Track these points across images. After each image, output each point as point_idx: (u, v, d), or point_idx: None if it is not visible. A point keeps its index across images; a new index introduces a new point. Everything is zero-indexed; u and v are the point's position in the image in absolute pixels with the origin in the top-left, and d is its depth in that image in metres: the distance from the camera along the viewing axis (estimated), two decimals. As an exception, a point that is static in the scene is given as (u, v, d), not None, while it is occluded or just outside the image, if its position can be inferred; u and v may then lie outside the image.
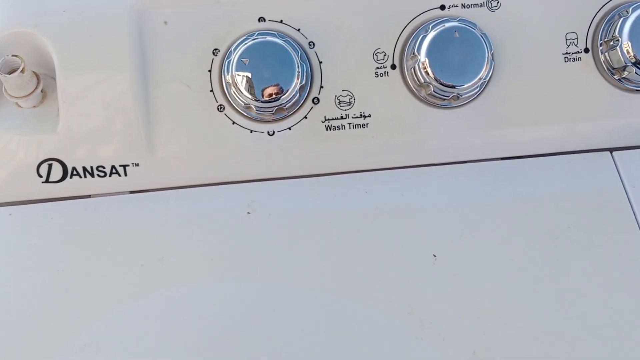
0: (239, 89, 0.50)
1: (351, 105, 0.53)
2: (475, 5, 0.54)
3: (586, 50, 0.54)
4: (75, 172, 0.53)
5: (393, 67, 0.54)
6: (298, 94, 0.51)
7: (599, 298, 0.49)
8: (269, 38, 0.51)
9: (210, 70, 0.52)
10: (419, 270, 0.50)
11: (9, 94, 0.52)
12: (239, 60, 0.50)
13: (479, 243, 0.51)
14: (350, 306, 0.49)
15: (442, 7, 0.53)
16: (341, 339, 0.48)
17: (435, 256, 0.51)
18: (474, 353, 0.47)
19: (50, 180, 0.53)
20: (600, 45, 0.54)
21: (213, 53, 0.52)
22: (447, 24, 0.51)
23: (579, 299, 0.49)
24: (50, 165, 0.52)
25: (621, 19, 0.52)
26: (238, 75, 0.50)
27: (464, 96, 0.52)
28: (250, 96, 0.50)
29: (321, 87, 0.53)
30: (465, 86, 0.51)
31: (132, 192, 0.54)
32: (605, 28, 0.53)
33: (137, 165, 0.53)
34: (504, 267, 0.50)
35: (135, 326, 0.48)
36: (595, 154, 0.56)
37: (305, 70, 0.52)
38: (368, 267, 0.51)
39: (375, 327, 0.48)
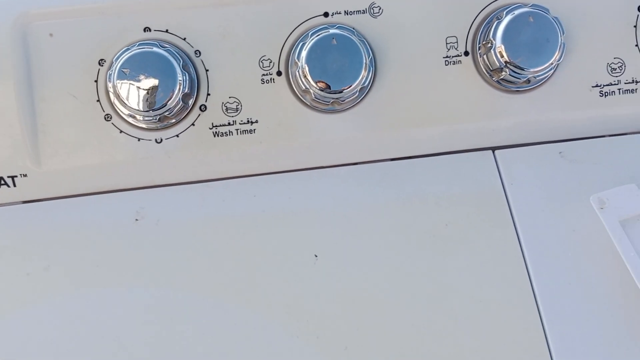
0: (121, 99, 0.51)
1: (238, 111, 0.55)
2: (358, 11, 0.55)
3: (466, 54, 0.56)
4: (-37, 184, 0.53)
5: (279, 73, 0.55)
6: (182, 102, 0.52)
7: (470, 293, 0.51)
8: (150, 48, 0.51)
9: (96, 81, 0.53)
10: (299, 271, 0.52)
11: None
12: (120, 71, 0.51)
13: (360, 243, 0.53)
14: (230, 307, 0.50)
15: (326, 14, 0.55)
16: (220, 339, 0.49)
17: (316, 256, 0.52)
18: (346, 348, 0.49)
19: (-61, 192, 0.53)
20: (479, 48, 0.55)
21: (99, 63, 0.53)
22: (325, 32, 0.52)
23: (450, 293, 0.51)
24: (-63, 178, 0.53)
25: (496, 22, 0.53)
26: (119, 84, 0.51)
27: (344, 101, 0.54)
28: (133, 106, 0.51)
29: (208, 94, 0.54)
30: (343, 91, 0.52)
31: (24, 202, 0.55)
32: (484, 31, 0.55)
33: (25, 176, 0.54)
34: (380, 266, 0.52)
35: (18, 334, 0.49)
36: (478, 153, 0.57)
37: (189, 78, 0.53)
38: (251, 269, 0.52)
39: (253, 327, 0.50)
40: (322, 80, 0.52)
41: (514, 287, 0.51)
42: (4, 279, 0.51)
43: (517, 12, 0.53)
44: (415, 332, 0.49)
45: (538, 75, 0.54)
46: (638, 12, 0.56)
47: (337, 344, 0.50)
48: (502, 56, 0.53)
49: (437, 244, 0.53)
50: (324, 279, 0.51)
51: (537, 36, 0.53)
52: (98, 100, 0.53)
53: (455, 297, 0.51)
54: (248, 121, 0.55)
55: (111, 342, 0.49)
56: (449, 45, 0.56)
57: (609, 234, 0.51)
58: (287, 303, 0.51)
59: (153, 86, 0.51)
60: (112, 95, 0.52)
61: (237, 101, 0.55)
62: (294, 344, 0.50)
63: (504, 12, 0.54)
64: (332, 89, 0.52)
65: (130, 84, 0.51)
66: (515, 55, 0.53)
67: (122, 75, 0.51)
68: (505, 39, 0.53)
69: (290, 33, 0.55)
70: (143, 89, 0.51)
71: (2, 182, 0.53)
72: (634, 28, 0.56)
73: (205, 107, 0.54)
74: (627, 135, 0.58)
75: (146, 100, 0.51)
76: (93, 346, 0.49)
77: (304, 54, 0.52)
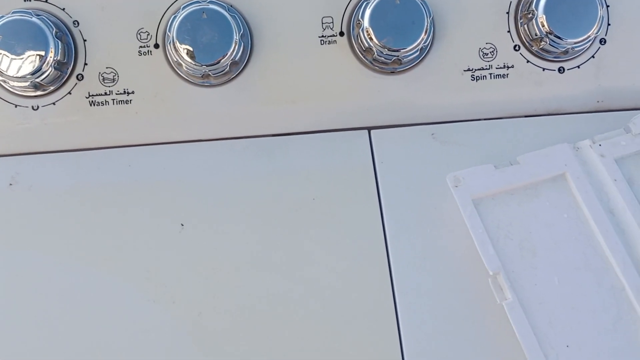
0: (-6, 65, 0.52)
1: (115, 82, 0.56)
2: (233, -12, 0.56)
3: (341, 34, 0.57)
4: None
5: (156, 46, 0.56)
6: (55, 70, 0.54)
7: (327, 263, 0.52)
8: (22, 16, 0.53)
9: (-26, 47, 0.55)
10: (164, 239, 0.53)
11: None
12: (-8, 37, 0.52)
13: (227, 213, 0.54)
14: (91, 271, 0.52)
15: (203, -10, 0.56)
16: (77, 300, 0.50)
17: (182, 225, 0.54)
18: (200, 314, 0.50)
19: None
20: (353, 29, 0.57)
21: (-23, 30, 0.55)
22: (197, 6, 0.54)
23: (308, 265, 0.52)
24: None
25: (364, 4, 0.55)
26: (-8, 51, 0.52)
27: (217, 74, 0.55)
28: (5, 71, 0.52)
29: (85, 64, 0.56)
30: (214, 64, 0.54)
31: None
32: (357, 12, 0.57)
33: None
34: (245, 235, 0.53)
35: None
36: (355, 132, 0.59)
37: (63, 47, 0.54)
38: (116, 235, 0.53)
39: (111, 290, 0.51)
40: (191, 54, 0.53)
41: (370, 259, 0.53)
42: None
43: (381, -6, 0.55)
44: (269, 299, 0.51)
45: (406, 56, 0.56)
46: (510, -1, 0.58)
47: (192, 309, 0.51)
48: (370, 37, 0.55)
49: (302, 217, 0.54)
50: (188, 247, 0.53)
51: (403, 18, 0.54)
52: (-25, 66, 0.55)
53: (312, 268, 0.52)
54: (124, 92, 0.56)
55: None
56: (324, 25, 0.57)
57: (460, 211, 0.52)
58: (147, 268, 0.52)
59: (24, 53, 0.52)
60: (-14, 61, 0.53)
61: (114, 71, 0.56)
62: (150, 307, 0.51)
63: (375, -6, 0.55)
64: (200, 61, 0.53)
65: (2, 50, 0.52)
66: (382, 36, 0.54)
67: (-6, 41, 0.52)
68: (372, 20, 0.54)
69: (169, 7, 0.56)
70: (15, 56, 0.52)
71: None
72: (506, 14, 0.58)
73: (82, 76, 0.56)
74: (498, 120, 0.59)
75: (18, 66, 0.52)
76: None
77: (174, 27, 0.53)
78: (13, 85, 0.54)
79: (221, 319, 0.50)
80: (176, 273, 0.52)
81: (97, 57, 0.56)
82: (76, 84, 0.56)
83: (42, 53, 0.53)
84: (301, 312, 0.51)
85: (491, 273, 0.48)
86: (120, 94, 0.56)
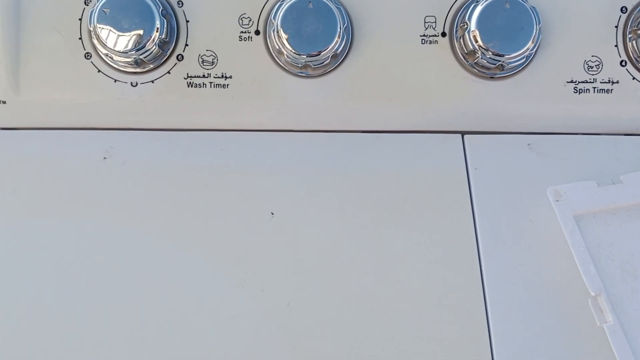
0: (100, 39, 0.53)
1: (214, 65, 0.56)
2: (340, -20, 0.56)
3: (443, 34, 0.56)
4: (-56, 104, 0.56)
5: (257, 32, 0.56)
6: (158, 48, 0.54)
7: (418, 268, 0.51)
8: (132, -8, 0.53)
9: (80, 19, 0.55)
10: (254, 226, 0.53)
11: None
12: (101, 10, 0.53)
13: (317, 206, 0.54)
14: (182, 252, 0.52)
15: (309, -20, 0.56)
16: (167, 284, 0.50)
17: (273, 214, 0.53)
18: (288, 305, 0.50)
19: None
20: (456, 30, 0.56)
21: (85, 2, 0.55)
22: (305, -5, 0.53)
23: (397, 265, 0.51)
24: None
25: (473, 5, 0.54)
26: (99, 25, 0.53)
27: (317, 66, 0.55)
28: (109, 46, 0.53)
29: (186, 45, 0.56)
30: (315, 56, 0.53)
31: (1, 128, 0.57)
32: (462, 14, 0.56)
33: (4, 102, 0.56)
34: (334, 231, 0.53)
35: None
36: (447, 135, 0.58)
37: (167, 26, 0.54)
38: (207, 219, 0.53)
39: (201, 274, 0.51)
40: (295, 43, 0.53)
41: (462, 267, 0.52)
42: (-31, 196, 0.53)
43: (495, -4, 0.54)
44: (356, 297, 0.50)
45: (511, 62, 0.54)
46: (621, 13, 0.56)
47: (281, 299, 0.50)
48: (476, 40, 0.54)
49: (392, 217, 0.53)
50: (277, 236, 0.52)
51: (512, 23, 0.53)
52: (80, 38, 0.55)
53: (402, 270, 0.51)
54: (222, 76, 0.56)
55: (62, 271, 0.51)
56: (427, 24, 0.56)
57: (561, 226, 0.51)
58: (237, 255, 0.52)
59: (131, 29, 0.52)
60: (91, 34, 0.54)
61: (214, 55, 0.56)
62: (238, 294, 0.51)
63: (483, -4, 0.54)
64: (303, 51, 0.53)
65: (109, 24, 0.52)
66: (489, 40, 0.53)
67: (102, 15, 0.53)
68: (479, 22, 0.53)
69: (274, -5, 0.56)
70: (121, 31, 0.52)
71: (-19, 106, 0.56)
72: (615, 28, 0.56)
73: (182, 57, 0.56)
74: (598, 136, 0.58)
75: (124, 41, 0.53)
76: (44, 270, 0.51)
77: (280, 14, 0.53)
78: (115, 60, 0.54)
79: (310, 312, 0.49)
80: (265, 262, 0.51)
81: (198, 39, 0.56)
82: (176, 64, 0.56)
83: (148, 30, 0.53)
84: (389, 315, 0.50)
85: (592, 294, 0.47)
86: (218, 77, 0.56)
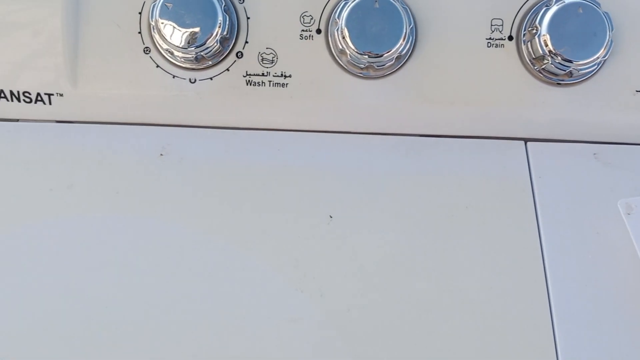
0: (161, 33, 0.52)
1: (273, 63, 0.55)
2: (407, -19, 0.55)
3: (510, 38, 0.55)
4: (2, 95, 0.55)
5: (318, 31, 0.55)
6: (220, 45, 0.53)
7: (481, 278, 0.50)
8: (196, -13, 0.52)
9: (140, 13, 0.54)
10: (313, 228, 0.52)
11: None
12: (163, 5, 0.52)
13: (376, 210, 0.53)
14: (239, 252, 0.51)
15: (374, -21, 0.54)
16: (224, 284, 0.49)
17: (331, 217, 0.52)
18: (348, 310, 0.49)
19: (-22, 100, 0.55)
20: (524, 34, 0.54)
21: (146, -3, 0.54)
22: (371, -6, 0.52)
23: (460, 275, 0.50)
24: (-21, 86, 0.55)
25: (544, 9, 0.52)
26: (161, 19, 0.52)
27: (380, 67, 0.54)
28: (170, 41, 0.52)
29: (246, 42, 0.55)
30: (379, 56, 0.52)
31: (57, 121, 0.57)
32: (531, 18, 0.54)
33: (61, 95, 0.55)
34: (394, 236, 0.51)
35: (32, 243, 0.50)
36: (510, 142, 0.56)
37: (229, 22, 0.53)
38: (264, 219, 0.52)
39: (258, 275, 0.50)
40: (359, 43, 0.52)
41: (527, 279, 0.50)
42: (28, 191, 0.52)
43: (567, 1, 0.52)
44: (418, 306, 0.48)
45: (581, 69, 0.53)
46: (697, 20, 0.54)
47: (341, 304, 0.49)
48: (546, 44, 0.52)
49: (454, 225, 0.52)
50: (337, 240, 0.51)
51: (584, 29, 0.52)
52: (139, 32, 0.54)
53: (464, 280, 0.50)
54: (282, 75, 0.55)
55: (119, 267, 0.50)
56: (493, 28, 0.55)
57: (632, 240, 0.49)
58: (296, 257, 0.51)
59: (193, 24, 0.52)
60: (152, 29, 0.53)
61: (274, 53, 0.55)
62: (297, 298, 0.49)
63: (554, 0, 0.53)
64: (368, 52, 0.52)
65: (171, 19, 0.52)
66: (560, 45, 0.52)
67: (164, 10, 0.52)
68: (551, 27, 0.52)
69: (336, -7, 0.55)
70: (183, 26, 0.52)
71: (39, 98, 0.55)
72: (691, 36, 0.54)
73: (242, 54, 0.55)
74: (668, 147, 0.56)
75: (185, 37, 0.52)
76: (97, 267, 0.50)
77: (345, 14, 0.52)
78: (174, 56, 0.53)
79: (370, 318, 0.48)
80: (324, 265, 0.50)
81: (258, 36, 0.55)
82: (235, 61, 0.55)
83: (210, 26, 0.52)
84: (451, 324, 0.48)
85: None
86: (278, 76, 0.55)
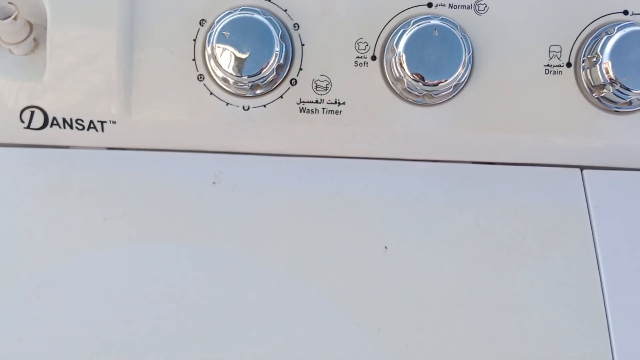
0: (217, 61, 0.52)
1: (327, 90, 0.54)
2: (463, 6, 0.54)
3: (568, 65, 0.54)
4: (55, 122, 0.55)
5: (373, 58, 0.54)
6: (275, 73, 0.52)
7: (539, 311, 0.49)
8: (252, 14, 0.52)
9: (195, 40, 0.54)
10: (368, 259, 0.51)
11: (2, 40, 0.54)
12: (220, 33, 0.51)
13: (432, 241, 0.52)
14: (295, 284, 0.50)
15: (430, 5, 0.54)
16: (279, 315, 0.49)
17: (386, 248, 0.52)
18: (406, 346, 0.48)
19: (31, 126, 0.55)
20: (583, 61, 0.53)
21: (200, 23, 0.54)
22: (428, 22, 0.51)
23: (519, 308, 0.49)
24: (32, 112, 0.55)
25: (605, 37, 0.51)
26: (218, 47, 0.51)
27: (437, 95, 0.53)
28: (227, 69, 0.51)
29: (300, 69, 0.54)
30: (437, 85, 0.51)
31: (108, 148, 0.56)
32: (590, 45, 0.53)
33: (114, 123, 0.55)
34: (451, 268, 0.51)
35: (87, 275, 0.50)
36: (565, 169, 0.56)
37: (285, 50, 0.53)
38: (319, 250, 0.52)
39: (314, 307, 0.49)
40: (418, 70, 0.51)
41: (587, 313, 0.50)
42: (82, 220, 0.52)
43: (629, 29, 0.51)
44: (478, 341, 0.48)
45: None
46: None
47: (398, 339, 0.49)
48: (607, 72, 0.51)
49: (512, 255, 0.51)
50: (393, 272, 0.51)
51: (648, 56, 0.51)
52: (194, 59, 0.54)
53: (524, 314, 0.49)
54: (336, 102, 0.54)
55: (171, 296, 0.50)
56: (551, 54, 0.54)
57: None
58: (352, 290, 0.50)
59: (250, 52, 0.51)
60: (208, 57, 0.52)
61: (328, 80, 0.54)
62: (354, 332, 0.49)
63: (615, 28, 0.52)
64: (426, 80, 0.51)
65: (228, 47, 0.51)
66: (622, 74, 0.51)
67: (221, 38, 0.51)
68: (613, 55, 0.51)
69: (391, 19, 0.54)
70: (240, 54, 0.51)
71: (92, 125, 0.55)
72: None
73: (296, 81, 0.54)
74: None
75: (242, 65, 0.51)
76: (152, 297, 0.50)
77: (403, 41, 0.51)
78: (229, 83, 0.53)
79: (429, 354, 0.48)
80: (381, 298, 0.50)
81: (312, 63, 0.54)
82: (289, 88, 0.54)
83: (267, 54, 0.51)
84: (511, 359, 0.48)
85: None
86: (332, 103, 0.54)
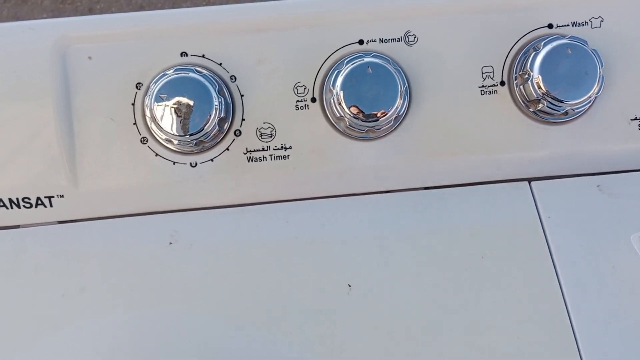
0: (158, 123, 0.52)
1: (272, 137, 0.55)
2: (393, 39, 0.55)
3: (502, 83, 0.55)
4: (1, 204, 0.54)
5: (313, 100, 0.55)
6: (218, 127, 0.53)
7: (507, 329, 0.50)
8: (187, 73, 0.52)
9: (133, 104, 0.54)
10: (333, 300, 0.51)
11: (-63, 128, 0.53)
12: (157, 96, 0.51)
13: (394, 273, 0.52)
14: (261, 335, 0.50)
15: (361, 42, 0.55)
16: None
17: (350, 286, 0.52)
18: (381, 383, 0.48)
19: (-23, 211, 0.54)
20: (515, 78, 0.55)
21: (136, 87, 0.54)
22: (361, 60, 0.52)
23: (488, 330, 0.50)
24: (-24, 197, 0.54)
25: (533, 53, 0.53)
26: (157, 109, 0.51)
27: (380, 129, 0.54)
28: (169, 130, 0.51)
29: (243, 119, 0.55)
30: (378, 119, 0.52)
31: (59, 222, 0.56)
32: (520, 61, 0.55)
33: (62, 196, 0.54)
34: (416, 297, 0.51)
35: (51, 356, 0.49)
36: (514, 184, 0.57)
37: (224, 103, 0.53)
38: (284, 297, 0.52)
39: (285, 357, 0.49)
40: (357, 108, 0.52)
41: (553, 325, 0.50)
42: (39, 299, 0.51)
43: (555, 43, 0.53)
44: (448, 366, 0.48)
45: (576, 108, 0.53)
46: (681, 44, 0.55)
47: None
48: (539, 87, 0.53)
49: (474, 277, 0.52)
50: (359, 309, 0.51)
51: (575, 68, 0.52)
52: (135, 124, 0.54)
53: (493, 335, 0.50)
54: (282, 147, 0.55)
55: (141, 366, 0.49)
56: (484, 75, 0.55)
57: (646, 272, 0.50)
58: (320, 333, 0.50)
59: (189, 111, 0.51)
60: (148, 120, 0.52)
61: (272, 127, 0.55)
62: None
63: (542, 43, 0.53)
64: (366, 117, 0.52)
65: (167, 108, 0.51)
66: (554, 87, 0.52)
67: (159, 100, 0.51)
68: (543, 70, 0.52)
69: (325, 60, 0.55)
70: (179, 114, 0.51)
71: (39, 202, 0.54)
72: (676, 60, 0.55)
73: (240, 132, 0.55)
74: (667, 170, 0.57)
75: (183, 124, 0.51)
76: (123, 369, 0.49)
77: (339, 81, 0.52)
78: (173, 143, 0.53)
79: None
80: (351, 337, 0.50)
81: (254, 112, 0.55)
82: (234, 139, 0.55)
83: (207, 110, 0.52)
84: (485, 381, 0.48)
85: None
86: (278, 149, 0.55)
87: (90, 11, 1.95)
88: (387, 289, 0.52)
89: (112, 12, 1.93)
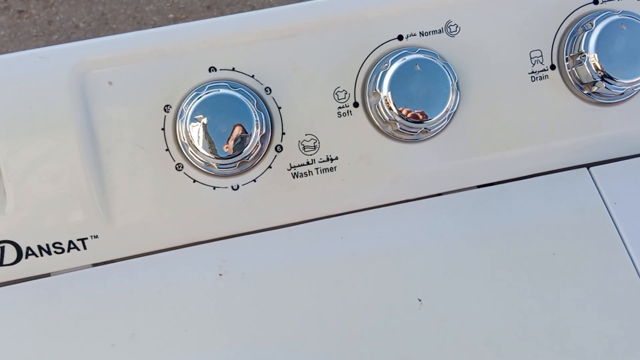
0: (196, 148, 0.47)
1: (316, 149, 0.51)
2: (434, 32, 0.51)
3: (552, 67, 0.52)
4: (30, 252, 0.49)
5: (355, 104, 0.51)
6: (260, 144, 0.49)
7: (593, 327, 0.47)
8: (221, 90, 0.48)
9: (163, 129, 0.49)
10: (405, 317, 0.48)
11: (-51, 177, 0.48)
12: (192, 118, 0.47)
13: (463, 281, 0.49)
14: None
15: (400, 37, 0.51)
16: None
17: (420, 300, 0.49)
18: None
19: (4, 263, 0.49)
20: (567, 60, 0.52)
21: (165, 110, 0.49)
22: (407, 58, 0.49)
23: (572, 331, 0.47)
24: (2, 248, 0.49)
25: (586, 33, 0.50)
26: (193, 133, 0.47)
27: (432, 129, 0.50)
28: (209, 154, 0.47)
29: (283, 133, 0.51)
30: (433, 120, 0.48)
31: (94, 264, 0.51)
32: (570, 42, 0.52)
33: (96, 237, 0.50)
34: (492, 305, 0.48)
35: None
36: (573, 171, 0.54)
37: (263, 118, 0.49)
38: (352, 319, 0.48)
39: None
40: (409, 109, 0.48)
41: (637, 314, 0.48)
42: (87, 353, 0.47)
43: (608, 20, 0.50)
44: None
45: (636, 86, 0.50)
46: None
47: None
48: (596, 68, 0.49)
49: (548, 276, 0.49)
50: (433, 324, 0.47)
51: (632, 45, 0.49)
52: (167, 150, 0.49)
53: (577, 335, 0.47)
54: (328, 158, 0.51)
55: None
56: (533, 60, 0.52)
57: None
58: (397, 353, 0.47)
59: (229, 131, 0.47)
60: (183, 144, 0.48)
61: (315, 138, 0.51)
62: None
63: (594, 21, 0.50)
64: (419, 118, 0.48)
65: (204, 131, 0.47)
66: (611, 67, 0.49)
67: (195, 123, 0.47)
68: (599, 49, 0.49)
69: (365, 60, 0.51)
70: (219, 135, 0.47)
71: (72, 245, 0.49)
72: None
73: (282, 147, 0.51)
74: None
75: (223, 146, 0.47)
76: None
77: (385, 82, 0.48)
78: (213, 166, 0.49)
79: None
80: (429, 354, 0.46)
81: (294, 124, 0.51)
82: (276, 156, 0.51)
83: (248, 128, 0.48)
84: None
85: None
86: (324, 161, 0.51)
87: (50, 23, 1.86)
88: (459, 298, 0.49)
89: (72, 22, 1.85)
